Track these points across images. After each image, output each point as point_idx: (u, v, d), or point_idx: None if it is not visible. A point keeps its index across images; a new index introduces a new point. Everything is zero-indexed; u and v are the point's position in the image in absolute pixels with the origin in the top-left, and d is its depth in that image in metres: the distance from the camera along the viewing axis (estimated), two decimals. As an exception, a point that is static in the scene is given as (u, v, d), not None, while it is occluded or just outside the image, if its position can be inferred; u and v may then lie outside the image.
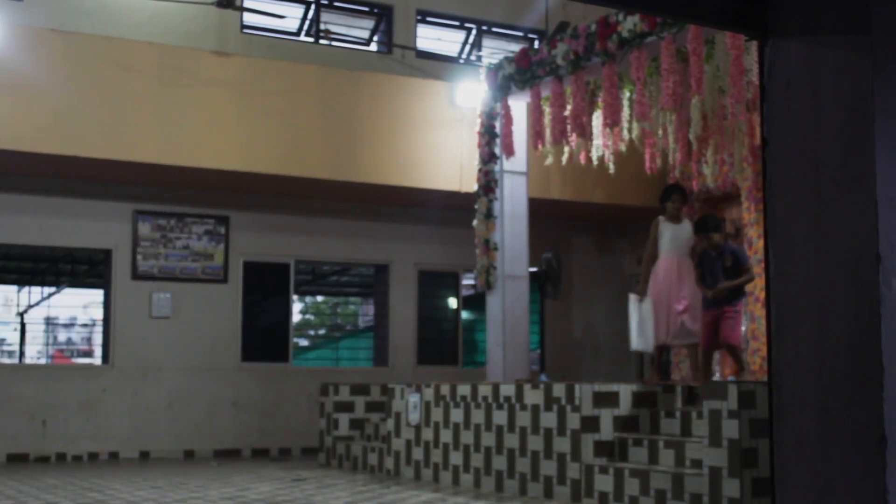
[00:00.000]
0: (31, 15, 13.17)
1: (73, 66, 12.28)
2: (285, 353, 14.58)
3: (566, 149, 11.63)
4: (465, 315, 16.11)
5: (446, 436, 10.20)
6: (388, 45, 16.03)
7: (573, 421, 8.61)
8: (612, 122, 10.65)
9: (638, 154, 11.78)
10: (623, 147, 11.40)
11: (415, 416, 10.66)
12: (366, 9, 16.14)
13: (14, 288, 21.96)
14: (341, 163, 13.50)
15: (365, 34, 16.27)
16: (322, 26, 15.75)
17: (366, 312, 21.56)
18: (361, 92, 13.81)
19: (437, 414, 10.37)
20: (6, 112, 11.78)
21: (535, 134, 11.95)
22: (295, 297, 15.22)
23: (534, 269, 12.91)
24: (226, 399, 13.95)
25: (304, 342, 23.42)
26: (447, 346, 15.74)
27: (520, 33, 16.75)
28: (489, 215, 12.33)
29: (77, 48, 12.37)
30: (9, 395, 12.97)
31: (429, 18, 16.55)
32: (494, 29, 16.96)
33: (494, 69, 12.37)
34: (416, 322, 15.44)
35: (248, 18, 15.03)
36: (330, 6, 15.84)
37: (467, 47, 16.87)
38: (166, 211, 13.88)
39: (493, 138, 12.40)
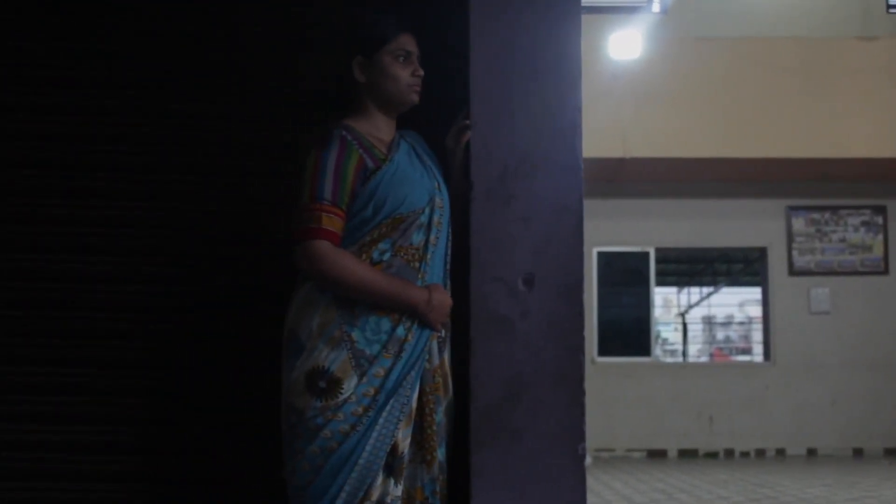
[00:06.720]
0: (674, 26, 13.67)
1: (719, 70, 12.57)
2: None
3: None
4: None
5: None
6: None
7: None
8: None
9: None
10: None
11: None
12: None
13: (674, 290, 22.90)
14: None
15: None
16: (979, -7, 14.66)
17: None
18: None
19: None
20: (659, 122, 12.34)
21: None
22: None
23: None
24: (893, 395, 13.40)
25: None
26: None
27: None
28: None
29: (721, 53, 12.65)
30: (675, 393, 13.50)
31: None
32: None
33: None
34: None
35: (895, -2, 14.39)
36: None
37: None
38: (819, 205, 13.68)
39: None
